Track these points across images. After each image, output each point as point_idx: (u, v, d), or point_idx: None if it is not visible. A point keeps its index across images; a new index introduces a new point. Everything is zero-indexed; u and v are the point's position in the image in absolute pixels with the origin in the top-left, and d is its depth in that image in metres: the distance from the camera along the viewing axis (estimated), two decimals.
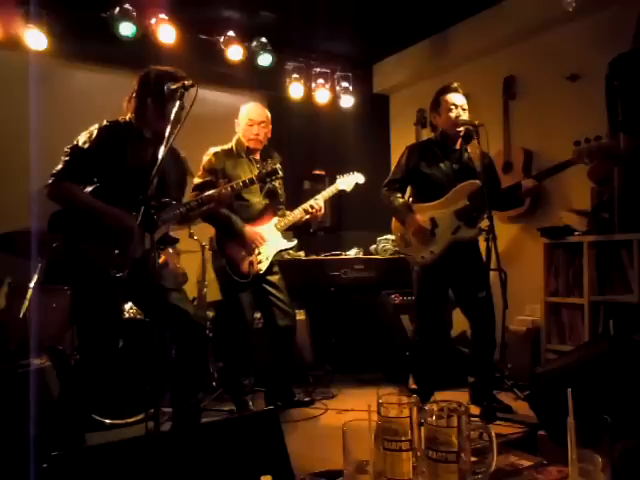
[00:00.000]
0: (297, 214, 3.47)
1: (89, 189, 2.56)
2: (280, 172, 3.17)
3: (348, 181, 3.66)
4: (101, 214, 2.49)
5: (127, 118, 2.68)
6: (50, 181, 2.51)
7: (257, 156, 3.51)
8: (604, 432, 0.91)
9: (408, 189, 3.54)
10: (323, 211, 3.49)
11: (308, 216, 3.46)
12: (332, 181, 3.74)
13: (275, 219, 3.49)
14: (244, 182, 3.06)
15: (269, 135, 3.53)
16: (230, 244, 3.36)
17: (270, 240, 3.43)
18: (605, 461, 0.91)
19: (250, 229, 3.36)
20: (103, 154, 2.54)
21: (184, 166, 2.92)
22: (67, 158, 2.53)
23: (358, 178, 3.70)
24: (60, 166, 2.52)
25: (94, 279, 2.49)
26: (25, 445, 2.19)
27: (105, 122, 2.62)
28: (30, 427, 2.44)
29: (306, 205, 3.45)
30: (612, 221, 3.65)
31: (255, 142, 3.45)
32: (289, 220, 3.47)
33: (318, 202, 3.45)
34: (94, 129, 2.58)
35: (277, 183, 3.47)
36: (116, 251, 2.46)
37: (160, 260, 2.79)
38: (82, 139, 2.56)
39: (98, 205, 2.51)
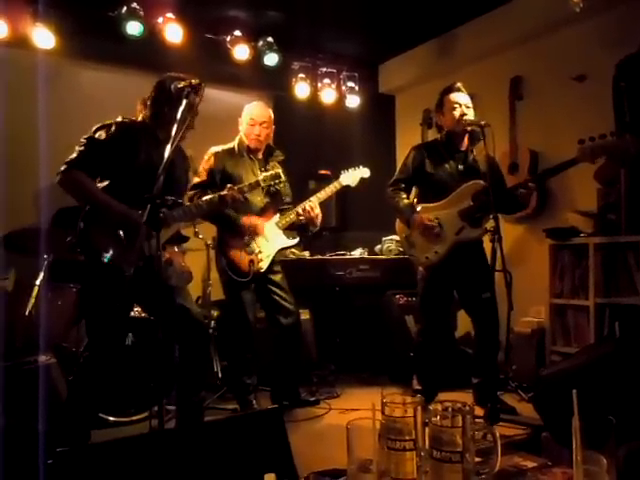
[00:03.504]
0: (293, 216, 3.45)
1: (100, 186, 2.57)
2: (282, 176, 3.18)
3: (353, 176, 3.62)
4: (108, 207, 2.51)
5: (142, 118, 2.69)
6: (62, 169, 2.51)
7: (260, 155, 3.51)
8: (609, 434, 0.91)
9: (413, 190, 3.53)
10: (318, 211, 3.42)
11: (302, 218, 3.43)
12: None
13: (276, 217, 3.48)
14: (250, 185, 3.08)
15: (271, 135, 3.53)
16: (230, 244, 3.36)
17: (271, 238, 3.43)
18: (610, 463, 0.90)
19: (247, 218, 3.35)
20: (117, 149, 2.55)
21: (187, 163, 2.93)
22: (82, 148, 2.53)
23: (363, 172, 3.66)
24: (74, 155, 2.53)
25: (104, 275, 2.49)
26: (31, 441, 2.20)
27: (122, 118, 2.63)
28: (38, 423, 2.45)
29: (299, 207, 3.44)
30: (618, 223, 3.64)
31: (256, 142, 3.45)
32: (290, 218, 3.47)
33: (311, 204, 3.41)
34: (112, 123, 2.59)
35: (280, 187, 3.46)
36: (123, 246, 2.47)
37: (164, 258, 2.80)
38: (99, 131, 2.56)
39: (106, 199, 2.52)
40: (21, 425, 2.49)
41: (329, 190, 3.55)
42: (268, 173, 3.20)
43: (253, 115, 3.45)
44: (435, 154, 3.38)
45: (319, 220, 3.47)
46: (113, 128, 2.57)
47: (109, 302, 2.50)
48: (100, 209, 2.52)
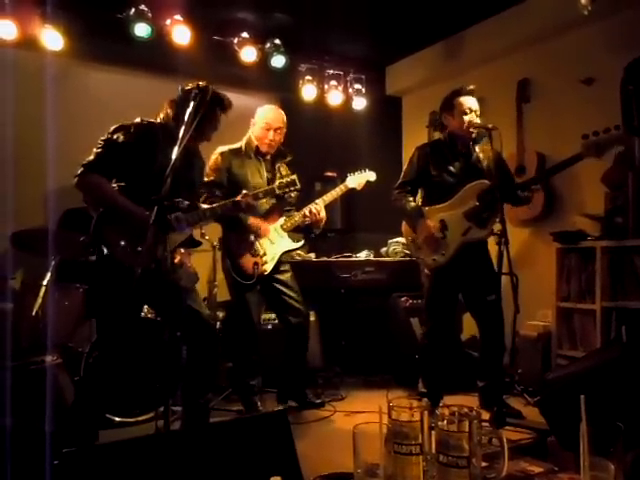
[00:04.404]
0: (297, 218, 3.46)
1: (115, 186, 2.57)
2: (298, 184, 3.18)
3: (358, 179, 3.63)
4: (123, 210, 2.50)
5: (162, 120, 2.68)
6: (79, 171, 2.49)
7: (267, 156, 3.51)
8: (617, 439, 0.91)
9: (419, 191, 3.52)
10: (323, 215, 3.44)
11: (307, 220, 3.44)
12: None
13: (282, 220, 3.48)
14: (265, 191, 3.10)
15: (282, 140, 3.53)
16: (235, 246, 3.36)
17: (276, 241, 3.43)
18: (618, 469, 0.90)
19: (254, 219, 3.35)
20: (136, 151, 2.53)
21: (203, 165, 2.94)
22: (99, 150, 2.51)
23: (369, 176, 3.66)
24: (92, 157, 2.50)
25: (114, 275, 2.50)
26: (38, 441, 2.21)
27: (140, 120, 2.61)
28: (45, 424, 2.46)
29: (305, 209, 3.45)
30: (626, 226, 3.62)
31: (268, 147, 3.45)
32: (295, 221, 3.47)
33: (317, 206, 3.42)
34: (131, 124, 2.56)
35: (294, 195, 3.44)
36: (136, 248, 2.48)
37: (176, 260, 2.80)
38: (117, 132, 2.53)
39: (124, 202, 2.50)
40: (28, 425, 2.49)
41: (335, 193, 3.55)
42: (284, 180, 3.20)
43: (269, 119, 3.43)
44: (439, 155, 3.37)
45: (323, 223, 3.48)
46: (132, 130, 2.54)
47: (120, 302, 2.50)
48: (118, 212, 2.51)
